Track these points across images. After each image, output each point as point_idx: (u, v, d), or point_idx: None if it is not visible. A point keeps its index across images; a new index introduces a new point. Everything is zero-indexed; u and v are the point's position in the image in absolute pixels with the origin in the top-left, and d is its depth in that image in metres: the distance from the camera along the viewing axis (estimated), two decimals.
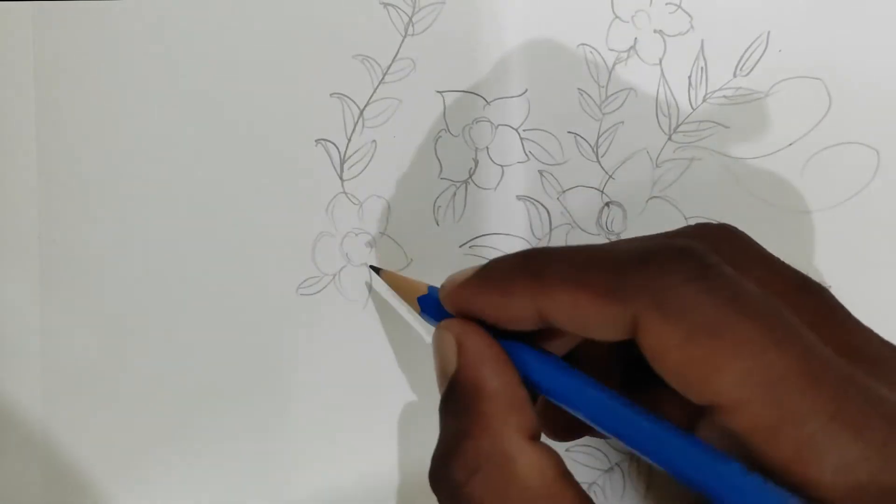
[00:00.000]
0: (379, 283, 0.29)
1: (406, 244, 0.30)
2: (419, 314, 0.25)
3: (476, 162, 0.30)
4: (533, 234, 0.30)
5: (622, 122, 0.30)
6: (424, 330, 0.30)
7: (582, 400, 0.19)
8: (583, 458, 0.30)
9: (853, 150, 0.30)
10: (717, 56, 0.30)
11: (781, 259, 0.20)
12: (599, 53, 0.30)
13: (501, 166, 0.30)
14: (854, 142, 0.30)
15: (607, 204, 0.30)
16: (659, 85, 0.30)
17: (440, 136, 0.30)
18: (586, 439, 0.30)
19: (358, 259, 0.30)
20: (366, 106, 0.30)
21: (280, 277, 0.30)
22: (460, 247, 0.30)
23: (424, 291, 0.24)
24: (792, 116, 0.30)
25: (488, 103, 0.30)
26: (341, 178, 0.30)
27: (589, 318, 0.18)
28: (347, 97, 0.30)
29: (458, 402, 0.19)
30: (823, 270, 0.30)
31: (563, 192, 0.30)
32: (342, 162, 0.30)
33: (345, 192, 0.30)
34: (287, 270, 0.30)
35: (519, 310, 0.19)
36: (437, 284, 0.23)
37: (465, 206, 0.30)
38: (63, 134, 0.30)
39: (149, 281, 0.30)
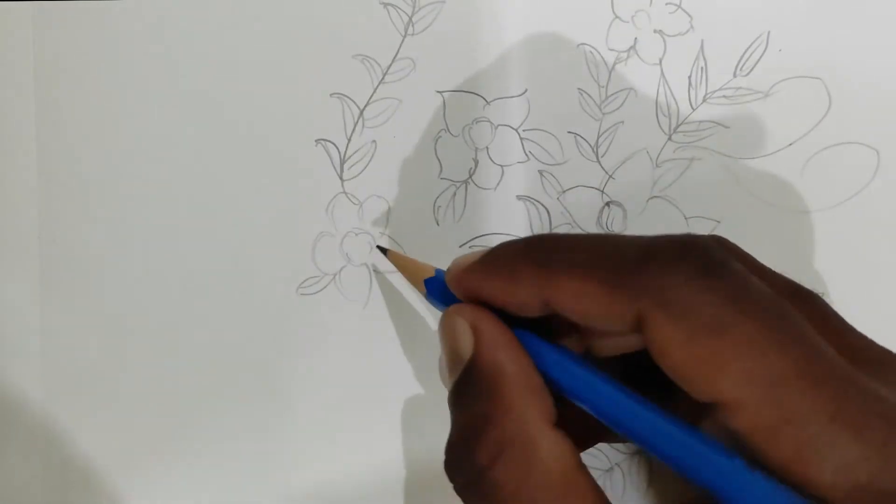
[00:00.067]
0: (385, 267, 0.29)
1: (406, 244, 0.30)
2: (424, 297, 0.24)
3: (476, 162, 0.30)
4: (533, 233, 0.30)
5: (622, 122, 0.30)
6: (425, 330, 0.30)
7: (585, 388, 0.19)
8: (583, 458, 0.30)
9: (853, 150, 0.30)
10: (717, 56, 0.30)
11: (781, 261, 0.20)
12: (599, 53, 0.30)
13: (501, 166, 0.30)
14: (854, 142, 0.30)
15: (607, 204, 0.30)
16: (659, 85, 0.30)
17: (440, 136, 0.30)
18: None
19: (358, 259, 0.30)
20: (366, 106, 0.30)
21: (280, 277, 0.30)
22: (460, 247, 0.30)
23: (431, 274, 0.24)
24: (792, 116, 0.30)
25: (488, 103, 0.30)
26: (341, 178, 0.30)
27: (594, 308, 0.18)
28: (347, 97, 0.30)
29: (476, 386, 0.19)
30: (823, 270, 0.30)
31: (563, 192, 0.30)
32: (342, 162, 0.30)
33: (345, 192, 0.30)
34: (287, 270, 0.30)
35: (524, 295, 0.19)
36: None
37: (465, 206, 0.30)
38: (63, 134, 0.30)
39: (149, 281, 0.30)
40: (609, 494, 0.30)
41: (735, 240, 0.20)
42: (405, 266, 0.26)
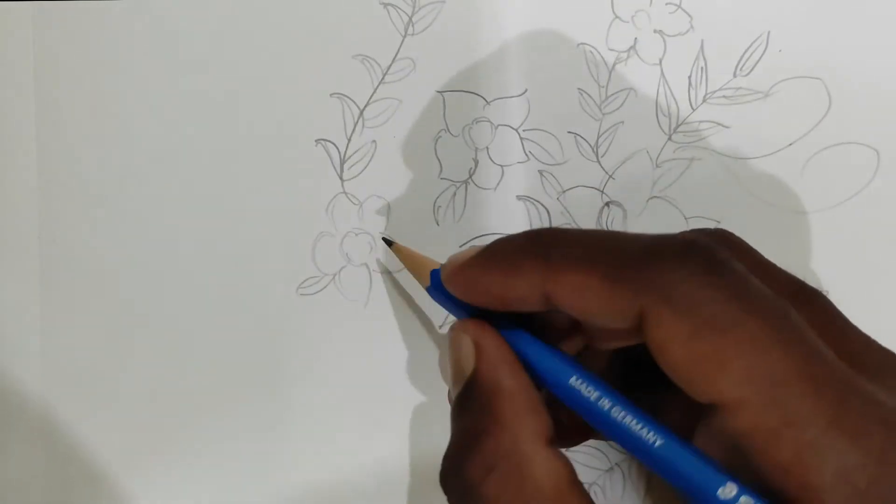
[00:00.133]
0: (385, 266, 0.29)
1: (406, 244, 0.30)
2: (426, 290, 0.24)
3: (476, 162, 0.30)
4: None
5: (622, 122, 0.30)
6: (424, 329, 0.30)
7: (572, 394, 0.19)
8: (583, 458, 0.30)
9: (853, 150, 0.30)
10: (717, 56, 0.30)
11: (781, 261, 0.20)
12: (599, 53, 0.30)
13: (501, 166, 0.30)
14: (854, 142, 0.30)
15: (607, 204, 0.30)
16: (659, 85, 0.30)
17: (440, 136, 0.30)
18: None
19: (358, 259, 0.30)
20: (366, 106, 0.30)
21: (280, 277, 0.30)
22: (460, 247, 0.30)
23: (436, 266, 0.24)
24: (792, 116, 0.30)
25: (488, 103, 0.30)
26: (341, 178, 0.30)
27: (596, 304, 0.18)
28: (347, 97, 0.30)
29: (475, 401, 0.19)
30: (823, 270, 0.30)
31: (563, 192, 0.30)
32: (342, 162, 0.30)
33: (345, 192, 0.30)
34: (287, 270, 0.30)
35: (524, 289, 0.19)
36: None
37: (465, 206, 0.30)
38: (63, 134, 0.30)
39: (149, 281, 0.30)
40: (609, 494, 0.30)
41: None
42: (410, 258, 0.26)
